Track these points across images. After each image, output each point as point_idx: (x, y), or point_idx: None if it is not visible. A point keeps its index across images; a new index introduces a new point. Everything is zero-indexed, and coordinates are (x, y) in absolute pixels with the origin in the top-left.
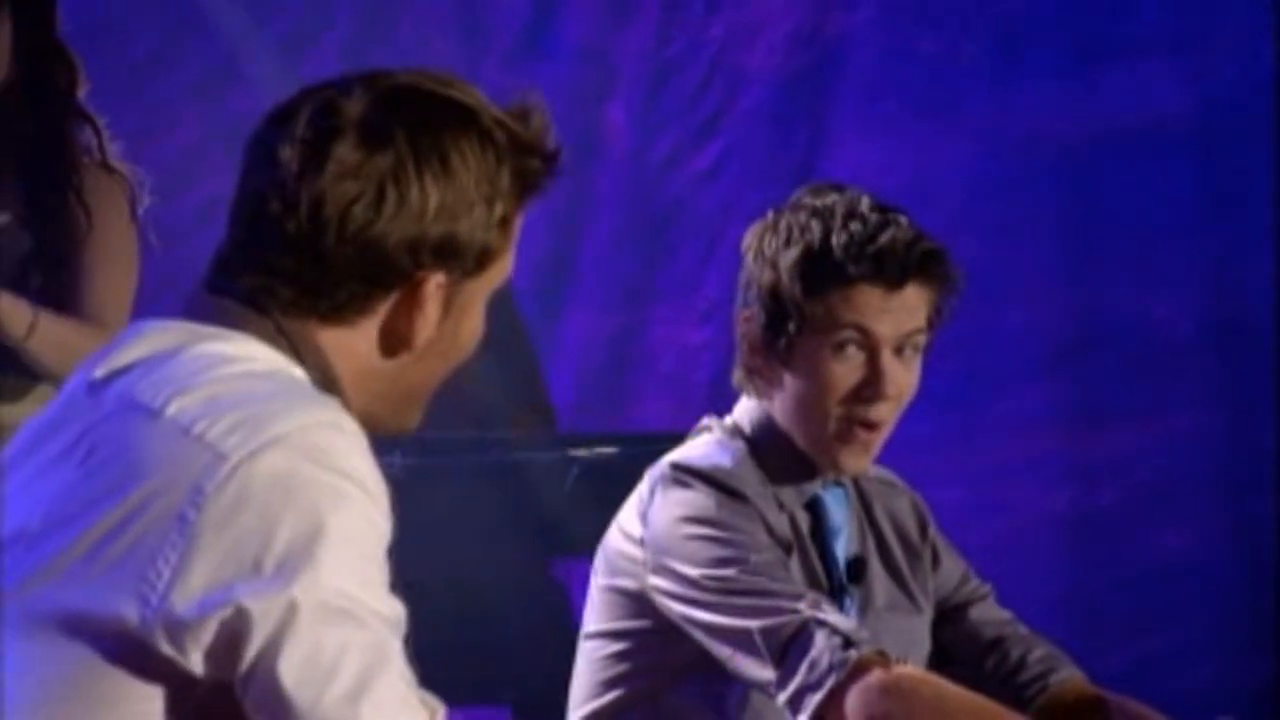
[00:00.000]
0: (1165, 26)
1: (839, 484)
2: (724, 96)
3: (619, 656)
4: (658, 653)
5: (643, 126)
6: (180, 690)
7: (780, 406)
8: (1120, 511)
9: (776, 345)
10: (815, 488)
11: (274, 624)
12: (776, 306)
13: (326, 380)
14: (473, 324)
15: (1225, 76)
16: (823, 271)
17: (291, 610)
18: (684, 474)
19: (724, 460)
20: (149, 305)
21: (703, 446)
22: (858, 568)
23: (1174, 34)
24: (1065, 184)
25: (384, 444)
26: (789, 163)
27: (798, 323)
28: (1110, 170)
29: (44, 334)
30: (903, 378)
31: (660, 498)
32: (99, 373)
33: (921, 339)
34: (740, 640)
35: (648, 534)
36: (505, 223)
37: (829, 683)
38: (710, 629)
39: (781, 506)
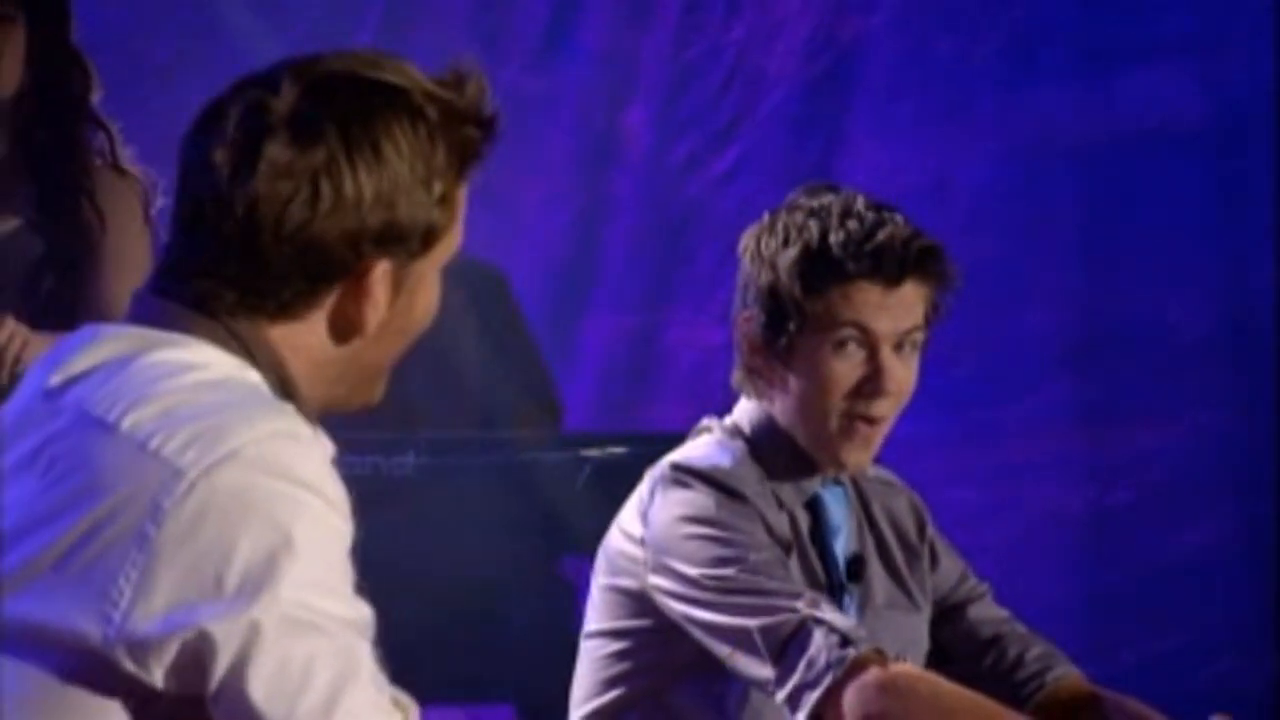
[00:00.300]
0: (1179, 30)
1: (838, 483)
2: (743, 100)
3: (620, 655)
4: (658, 652)
5: (662, 129)
6: (143, 705)
7: (781, 406)
8: (1135, 510)
9: (777, 345)
10: (815, 486)
11: (238, 645)
12: (776, 306)
13: (281, 378)
14: (426, 299)
15: (1238, 79)
16: (822, 270)
17: (254, 630)
18: (684, 474)
19: (724, 460)
20: None
21: (703, 447)
22: (857, 566)
23: (1187, 37)
24: (1080, 186)
25: (397, 444)
26: (806, 165)
27: (798, 322)
28: (1124, 172)
29: None
30: (902, 374)
31: (660, 498)
32: (55, 380)
33: (919, 336)
34: (739, 639)
35: (648, 534)
36: (446, 199)
37: (826, 680)
38: (710, 628)
39: (781, 506)
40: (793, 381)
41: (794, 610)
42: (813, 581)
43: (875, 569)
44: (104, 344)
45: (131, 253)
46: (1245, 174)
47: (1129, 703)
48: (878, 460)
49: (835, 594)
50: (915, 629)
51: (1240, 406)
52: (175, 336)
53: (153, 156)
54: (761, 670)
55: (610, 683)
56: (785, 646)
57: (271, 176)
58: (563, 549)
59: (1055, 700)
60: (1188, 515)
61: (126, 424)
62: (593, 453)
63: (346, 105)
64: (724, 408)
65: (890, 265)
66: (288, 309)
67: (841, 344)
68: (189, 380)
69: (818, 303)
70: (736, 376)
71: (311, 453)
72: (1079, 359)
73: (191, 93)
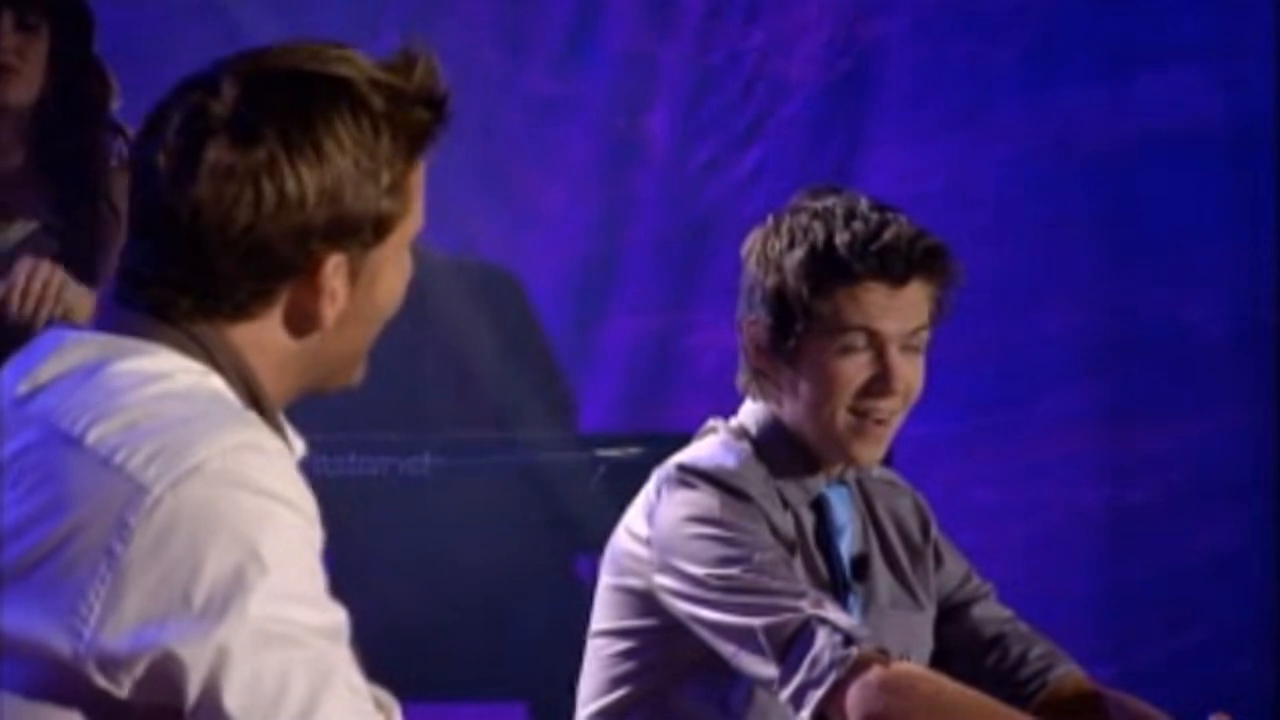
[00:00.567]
0: (1198, 32)
1: (843, 483)
2: (764, 103)
3: (626, 654)
4: (664, 650)
5: (683, 133)
6: (114, 717)
7: (788, 407)
8: (1154, 511)
9: (784, 347)
10: (819, 486)
11: (208, 665)
12: (783, 308)
13: (245, 379)
14: (389, 284)
15: (1257, 83)
16: (828, 270)
17: (223, 653)
18: (689, 475)
19: (729, 461)
20: None
21: (708, 448)
22: (862, 566)
23: (1207, 40)
24: (1099, 188)
25: (412, 445)
26: (826, 169)
27: (805, 323)
28: (1144, 175)
29: None
30: (910, 374)
31: (666, 498)
32: (22, 388)
33: (925, 336)
34: (744, 638)
35: (654, 534)
36: (397, 187)
37: (830, 679)
38: (715, 627)
39: (786, 506)
40: (800, 383)
41: (798, 610)
42: (817, 581)
43: (879, 569)
44: (69, 351)
45: None
46: (1264, 177)
47: (1131, 702)
48: (888, 461)
49: (840, 594)
50: (919, 629)
51: (1258, 406)
52: (139, 344)
53: None
54: (765, 669)
55: (616, 682)
56: (789, 645)
57: (213, 179)
58: (577, 549)
59: (1057, 699)
60: (1206, 515)
61: (91, 438)
62: (607, 453)
63: (286, 103)
64: None
65: (896, 264)
66: (244, 310)
67: (849, 345)
68: (153, 391)
69: (825, 304)
70: (742, 379)
71: (276, 462)
72: (1099, 360)
73: None
